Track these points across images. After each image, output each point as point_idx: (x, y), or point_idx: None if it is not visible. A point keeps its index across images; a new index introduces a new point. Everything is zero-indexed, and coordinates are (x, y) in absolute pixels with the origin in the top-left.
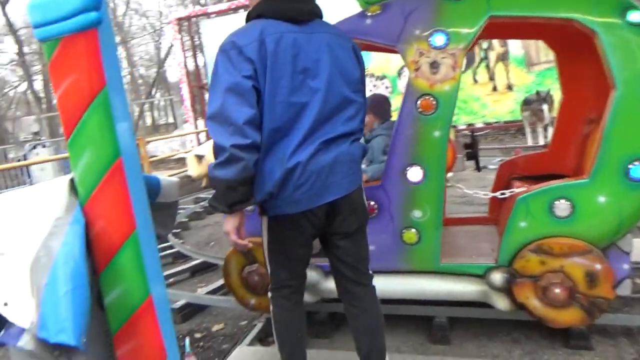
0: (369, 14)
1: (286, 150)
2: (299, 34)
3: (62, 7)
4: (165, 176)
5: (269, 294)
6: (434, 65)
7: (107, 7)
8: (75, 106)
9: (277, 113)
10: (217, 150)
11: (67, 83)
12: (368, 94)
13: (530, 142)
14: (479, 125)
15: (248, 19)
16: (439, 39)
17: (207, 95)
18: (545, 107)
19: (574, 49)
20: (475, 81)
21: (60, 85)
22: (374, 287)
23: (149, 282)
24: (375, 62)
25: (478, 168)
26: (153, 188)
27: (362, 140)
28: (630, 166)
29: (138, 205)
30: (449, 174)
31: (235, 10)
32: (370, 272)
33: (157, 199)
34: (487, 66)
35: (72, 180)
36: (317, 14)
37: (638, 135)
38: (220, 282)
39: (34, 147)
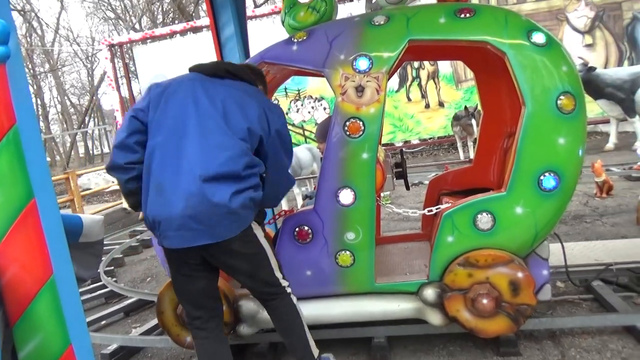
0: (295, 40)
1: None
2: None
3: None
4: (88, 214)
5: None
6: (359, 89)
7: (22, 38)
8: None
9: None
10: None
11: None
12: (307, 116)
13: (462, 157)
14: (415, 141)
15: None
16: (362, 63)
17: None
18: (473, 121)
19: (490, 68)
20: (409, 99)
21: None
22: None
23: (69, 331)
24: (313, 84)
25: (407, 186)
26: (74, 228)
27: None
28: (541, 177)
29: (55, 248)
30: (387, 192)
31: (171, 36)
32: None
33: (79, 239)
34: (419, 84)
35: None
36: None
37: (547, 149)
38: (156, 320)
39: None
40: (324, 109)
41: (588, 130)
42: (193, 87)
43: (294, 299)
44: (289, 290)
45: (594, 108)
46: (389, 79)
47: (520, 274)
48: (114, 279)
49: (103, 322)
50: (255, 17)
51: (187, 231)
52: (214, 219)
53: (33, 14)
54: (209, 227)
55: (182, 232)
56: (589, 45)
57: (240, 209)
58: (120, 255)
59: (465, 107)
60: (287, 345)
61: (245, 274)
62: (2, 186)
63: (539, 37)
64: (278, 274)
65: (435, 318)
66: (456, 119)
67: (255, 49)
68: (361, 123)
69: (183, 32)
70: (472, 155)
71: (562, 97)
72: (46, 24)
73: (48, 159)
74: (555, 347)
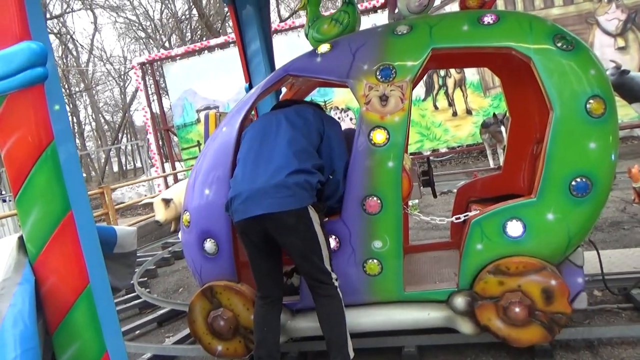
0: (319, 52)
1: None
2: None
3: (8, 64)
4: (122, 226)
5: None
6: (383, 98)
7: (58, 60)
8: (23, 162)
9: None
10: None
11: (14, 139)
12: None
13: (492, 164)
14: (443, 150)
15: None
16: (386, 73)
17: (174, 138)
18: (502, 129)
19: (516, 73)
20: (436, 108)
21: (7, 141)
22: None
23: (105, 338)
24: (339, 95)
25: (434, 194)
26: (109, 239)
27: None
28: (572, 183)
29: (91, 258)
30: (415, 201)
31: (199, 52)
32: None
33: (114, 250)
34: (446, 92)
35: (20, 238)
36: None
37: (577, 153)
38: (188, 330)
39: None
40: (350, 119)
41: (623, 134)
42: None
43: (341, 295)
44: (337, 284)
45: (629, 112)
46: (413, 88)
47: (553, 282)
48: (148, 289)
49: (137, 332)
50: (282, 30)
51: (248, 205)
52: (270, 192)
53: (68, 36)
54: (262, 200)
55: (244, 206)
56: (621, 48)
57: (293, 185)
58: (153, 267)
59: (494, 114)
60: (327, 340)
61: (299, 254)
62: (41, 200)
63: (565, 42)
64: (329, 266)
65: (466, 327)
66: (485, 126)
67: (280, 62)
68: (386, 132)
69: (211, 48)
70: (502, 162)
71: (591, 100)
72: (81, 45)
73: (84, 174)
74: (593, 358)
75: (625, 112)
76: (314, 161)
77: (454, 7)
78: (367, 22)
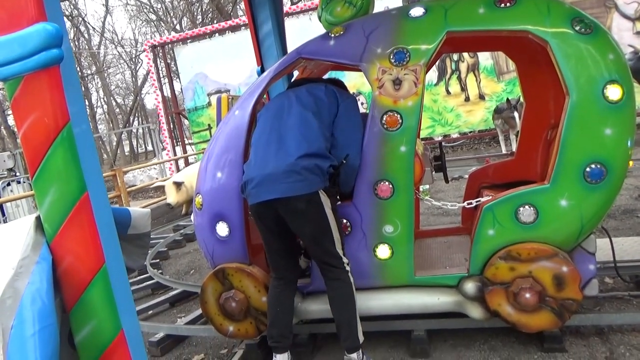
0: (332, 35)
1: None
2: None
3: (24, 46)
4: (136, 207)
5: None
6: (397, 82)
7: (70, 42)
8: (39, 143)
9: None
10: None
11: (30, 120)
12: None
13: (504, 150)
14: (455, 135)
15: None
16: (400, 56)
17: (185, 122)
18: (516, 114)
19: (532, 58)
20: (448, 92)
21: (24, 123)
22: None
23: (120, 317)
24: (350, 79)
25: (446, 179)
26: (123, 220)
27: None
28: (587, 169)
29: (107, 239)
30: (426, 186)
31: (210, 35)
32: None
33: (128, 231)
34: (459, 77)
35: (38, 218)
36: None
37: (592, 139)
38: (200, 311)
39: (8, 184)
40: (362, 103)
41: None
42: None
43: (352, 279)
44: (348, 268)
45: None
46: (427, 72)
47: (564, 268)
48: (160, 271)
49: (150, 312)
50: (293, 13)
51: (259, 190)
52: (280, 177)
53: (80, 19)
54: (274, 185)
55: (256, 191)
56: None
57: (303, 170)
58: (165, 249)
59: (507, 100)
60: (337, 323)
61: (310, 238)
62: (57, 181)
63: (583, 25)
64: (340, 250)
65: (476, 312)
66: (498, 111)
67: (292, 46)
68: (399, 116)
69: (222, 31)
70: (514, 148)
71: (608, 86)
72: (93, 27)
73: None
74: (603, 344)
75: None
76: (325, 143)
77: None
78: (380, 5)
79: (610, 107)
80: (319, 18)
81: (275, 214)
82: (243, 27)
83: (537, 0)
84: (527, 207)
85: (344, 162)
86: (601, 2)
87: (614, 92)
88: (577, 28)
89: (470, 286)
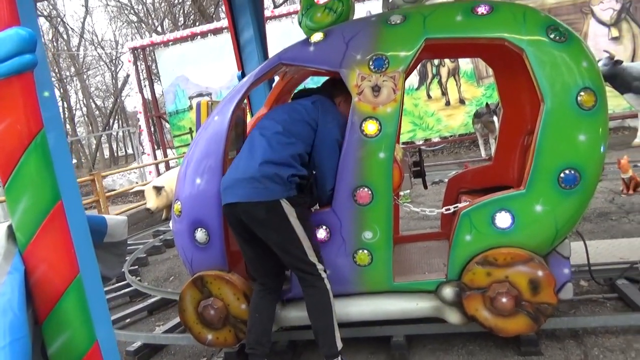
0: (313, 40)
1: None
2: None
3: None
4: (112, 215)
5: None
6: (376, 89)
7: (49, 43)
8: (12, 150)
9: None
10: None
11: (2, 127)
12: None
13: (483, 154)
14: (435, 139)
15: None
16: (379, 63)
17: (166, 125)
18: (495, 118)
19: (509, 65)
20: (429, 97)
21: None
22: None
23: (95, 328)
24: None
25: (425, 185)
26: (99, 228)
27: None
28: (561, 175)
29: (81, 248)
30: (406, 191)
31: (192, 38)
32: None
33: (104, 239)
34: (440, 82)
35: (10, 227)
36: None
37: (567, 145)
38: (179, 319)
39: None
40: None
41: (614, 125)
42: None
43: (329, 286)
44: (324, 275)
45: (620, 102)
46: (406, 78)
47: (540, 273)
48: (138, 278)
49: (127, 320)
50: (276, 17)
51: (226, 192)
52: (243, 182)
53: (59, 19)
54: (237, 189)
55: (224, 193)
56: (615, 39)
57: (262, 177)
58: (144, 255)
59: (487, 104)
60: (314, 330)
61: (277, 246)
62: (30, 189)
63: (557, 33)
64: (313, 257)
65: (454, 317)
66: (477, 116)
67: (274, 49)
68: (378, 123)
69: (204, 34)
70: (493, 152)
71: (582, 93)
72: (72, 28)
73: (74, 160)
74: (578, 347)
75: (617, 102)
76: (291, 152)
77: None
78: (361, 10)
79: (584, 113)
80: (300, 24)
81: (238, 219)
82: (225, 30)
83: (514, 8)
84: (503, 212)
85: (314, 172)
86: (577, 8)
87: (587, 99)
88: (552, 36)
89: (448, 291)
